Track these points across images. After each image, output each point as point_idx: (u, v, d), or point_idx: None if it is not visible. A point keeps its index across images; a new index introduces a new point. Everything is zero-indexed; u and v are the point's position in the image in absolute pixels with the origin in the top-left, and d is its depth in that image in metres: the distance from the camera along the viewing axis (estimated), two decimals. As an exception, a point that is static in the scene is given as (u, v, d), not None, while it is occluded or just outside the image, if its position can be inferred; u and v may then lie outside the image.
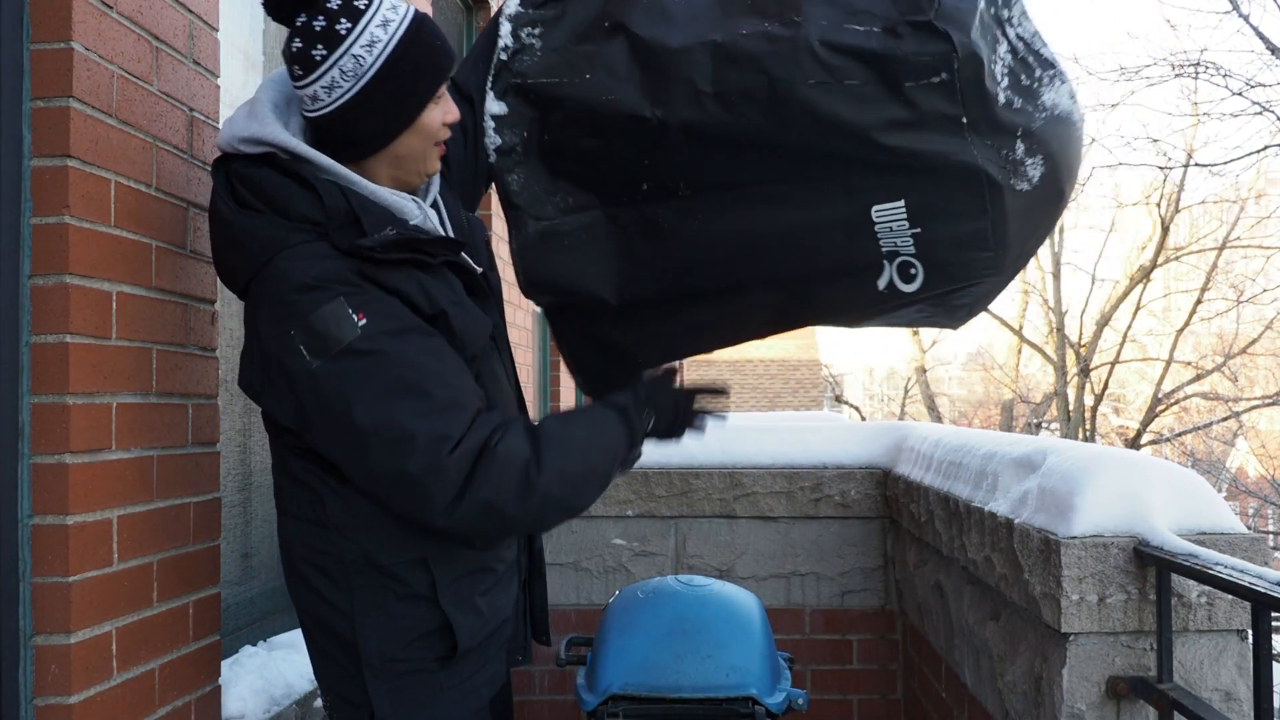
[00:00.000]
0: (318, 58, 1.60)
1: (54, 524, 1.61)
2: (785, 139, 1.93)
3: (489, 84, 2.00)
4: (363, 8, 1.61)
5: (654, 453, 3.17)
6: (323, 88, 1.62)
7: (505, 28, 2.01)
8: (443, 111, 1.71)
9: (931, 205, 1.94)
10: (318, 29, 1.60)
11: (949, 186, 1.91)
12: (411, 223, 1.65)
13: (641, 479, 3.17)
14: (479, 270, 1.74)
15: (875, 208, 1.97)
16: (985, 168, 1.85)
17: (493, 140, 1.99)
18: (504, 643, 1.80)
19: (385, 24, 1.62)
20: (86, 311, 1.66)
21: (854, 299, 2.12)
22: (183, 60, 1.96)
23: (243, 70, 2.57)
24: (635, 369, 2.01)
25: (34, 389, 1.61)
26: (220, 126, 2.15)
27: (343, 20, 1.60)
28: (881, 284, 2.07)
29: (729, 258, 2.03)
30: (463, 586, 1.67)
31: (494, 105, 2.00)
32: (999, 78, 1.87)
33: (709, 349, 2.25)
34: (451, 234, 1.80)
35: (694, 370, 19.50)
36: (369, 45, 1.60)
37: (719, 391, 1.93)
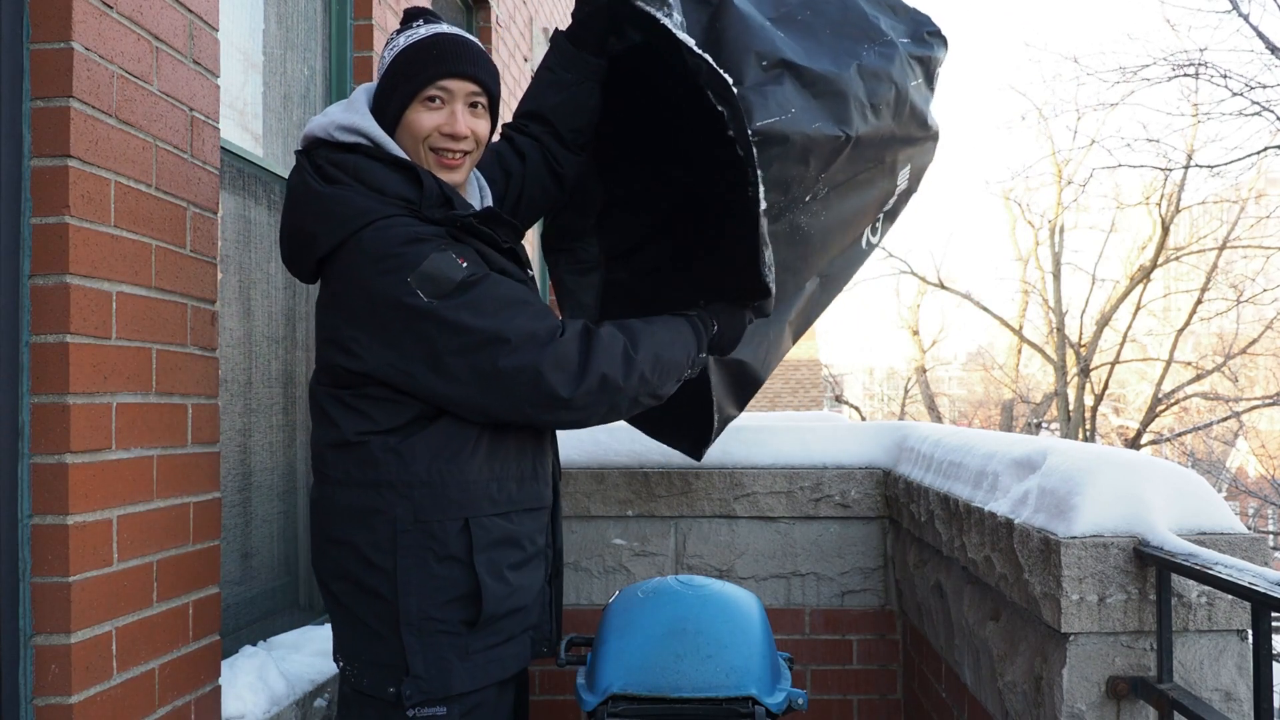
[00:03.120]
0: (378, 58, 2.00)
1: (54, 524, 1.61)
2: (892, 133, 2.29)
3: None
4: (415, 27, 1.89)
5: (654, 453, 3.18)
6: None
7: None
8: (438, 120, 1.86)
9: (919, 167, 2.50)
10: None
11: (931, 151, 2.51)
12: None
13: (641, 479, 3.17)
14: (529, 271, 1.93)
15: (900, 173, 2.43)
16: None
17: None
18: (529, 627, 1.89)
19: (410, 36, 1.88)
20: (86, 311, 1.66)
21: (851, 266, 2.55)
22: (183, 60, 1.96)
23: (242, 70, 2.57)
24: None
25: (34, 389, 1.62)
26: (219, 125, 2.15)
27: (394, 33, 1.93)
28: (864, 242, 2.52)
29: (824, 248, 2.34)
30: (495, 554, 1.80)
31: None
32: None
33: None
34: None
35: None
36: (391, 49, 1.89)
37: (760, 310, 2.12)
